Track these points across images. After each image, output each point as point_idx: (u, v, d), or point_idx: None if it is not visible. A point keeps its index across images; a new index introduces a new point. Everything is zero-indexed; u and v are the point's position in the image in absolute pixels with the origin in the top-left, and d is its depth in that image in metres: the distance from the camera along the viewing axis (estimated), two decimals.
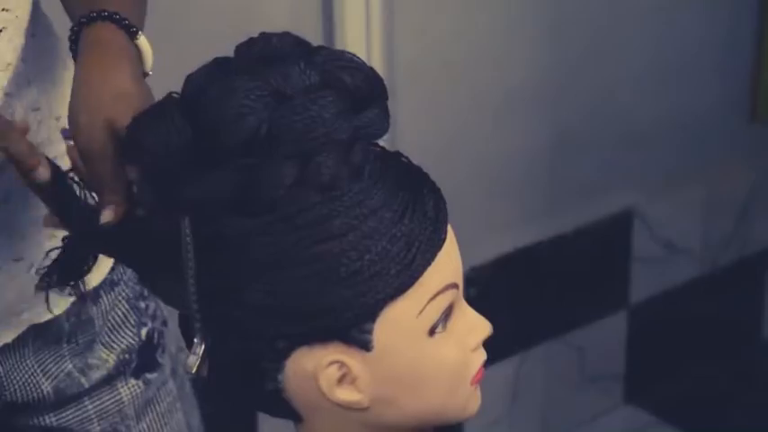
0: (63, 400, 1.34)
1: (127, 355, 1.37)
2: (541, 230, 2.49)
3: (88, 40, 1.11)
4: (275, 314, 0.91)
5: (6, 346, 1.30)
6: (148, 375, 1.39)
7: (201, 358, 0.93)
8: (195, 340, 0.93)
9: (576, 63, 2.42)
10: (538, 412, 2.65)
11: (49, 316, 1.28)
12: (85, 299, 1.30)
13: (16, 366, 1.31)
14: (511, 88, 2.33)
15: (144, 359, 1.39)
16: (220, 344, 0.94)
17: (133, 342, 1.38)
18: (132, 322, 1.37)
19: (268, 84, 0.90)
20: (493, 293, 2.39)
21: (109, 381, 1.37)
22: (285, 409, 0.97)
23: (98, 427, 1.37)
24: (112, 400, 1.37)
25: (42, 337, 1.32)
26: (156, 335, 1.41)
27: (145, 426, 1.40)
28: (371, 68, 0.94)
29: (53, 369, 1.33)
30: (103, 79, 1.05)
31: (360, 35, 2.02)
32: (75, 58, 1.12)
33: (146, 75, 1.13)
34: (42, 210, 1.07)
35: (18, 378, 1.31)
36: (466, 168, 2.31)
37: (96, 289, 1.32)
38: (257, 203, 0.90)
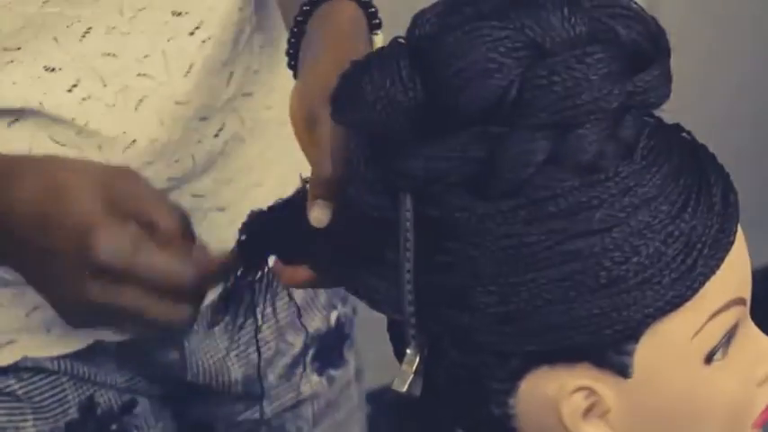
0: (249, 394, 1.17)
1: (309, 341, 1.19)
2: None
3: (324, 14, 0.93)
4: (512, 324, 0.73)
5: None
6: (333, 372, 1.21)
7: (415, 374, 0.75)
8: (408, 351, 0.75)
9: None
10: None
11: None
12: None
13: (204, 343, 1.14)
14: None
15: (329, 350, 1.20)
16: (438, 357, 0.76)
17: (321, 326, 1.19)
18: (322, 301, 1.19)
19: (522, 33, 0.71)
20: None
21: (288, 375, 1.19)
22: None
23: (265, 428, 1.19)
24: (289, 395, 1.19)
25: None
26: (346, 322, 1.22)
27: None
28: (653, 18, 0.74)
29: (249, 351, 1.16)
30: (338, 52, 0.86)
31: None
32: (295, 42, 0.94)
33: None
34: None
35: (204, 358, 1.14)
36: (742, 150, 2.04)
37: None
38: (499, 183, 0.72)
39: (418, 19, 0.76)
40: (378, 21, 0.94)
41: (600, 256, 0.72)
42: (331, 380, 1.21)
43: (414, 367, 0.75)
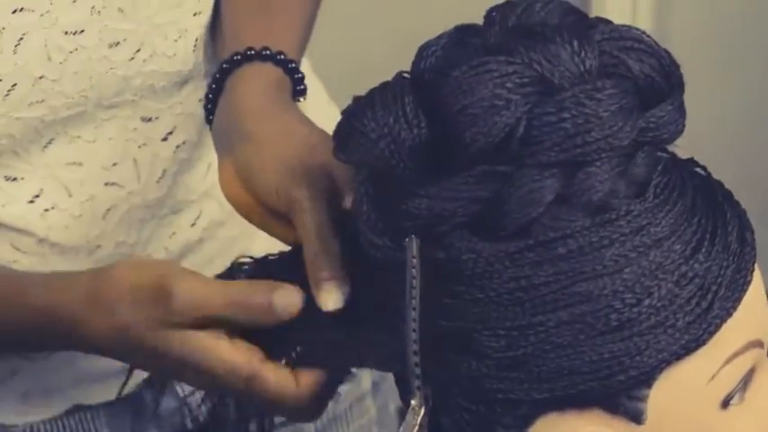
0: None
1: None
2: None
3: (248, 78, 0.89)
4: (520, 370, 0.70)
5: None
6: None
7: (420, 426, 0.73)
8: (413, 402, 0.73)
9: None
10: None
11: None
12: None
13: None
14: None
15: None
16: (445, 404, 0.73)
17: None
18: None
19: (530, 68, 0.69)
20: None
21: None
22: None
23: None
24: None
25: None
26: None
27: None
28: (666, 51, 0.72)
29: None
30: (281, 132, 0.83)
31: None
32: (211, 107, 0.90)
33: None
34: None
35: (202, 398, 1.10)
36: (748, 179, 1.99)
37: None
38: (506, 224, 0.70)
39: (423, 51, 0.74)
40: (303, 87, 0.90)
41: (610, 297, 0.69)
42: (336, 396, 1.17)
43: (419, 419, 0.73)
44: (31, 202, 0.95)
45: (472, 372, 0.71)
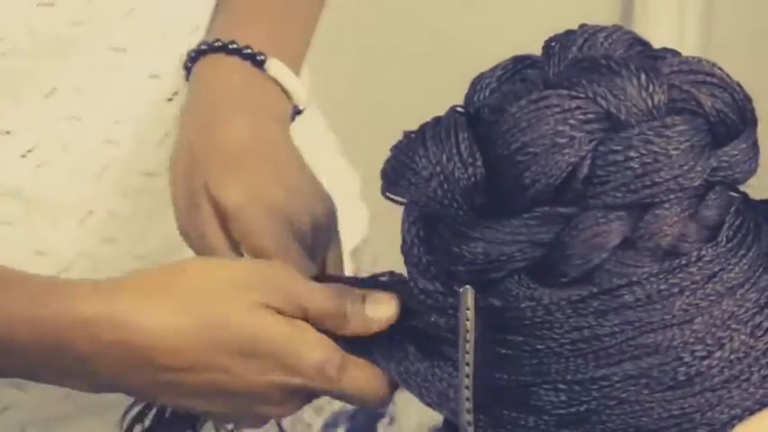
0: None
1: (332, 420, 1.10)
2: None
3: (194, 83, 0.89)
4: (581, 427, 0.66)
5: None
6: None
7: None
8: None
9: None
10: None
11: None
12: None
13: None
14: None
15: (361, 429, 1.11)
16: None
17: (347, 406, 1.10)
18: None
19: (594, 103, 0.64)
20: None
21: None
22: None
23: None
24: None
25: None
26: None
27: None
28: (738, 85, 0.67)
29: None
30: (206, 136, 0.83)
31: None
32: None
33: (298, 112, 0.89)
34: None
35: None
36: None
37: None
38: (568, 270, 0.65)
39: (477, 83, 0.69)
40: (262, 56, 0.88)
41: (680, 350, 0.65)
42: None
43: None
44: (23, 156, 0.90)
45: (530, 429, 0.67)
